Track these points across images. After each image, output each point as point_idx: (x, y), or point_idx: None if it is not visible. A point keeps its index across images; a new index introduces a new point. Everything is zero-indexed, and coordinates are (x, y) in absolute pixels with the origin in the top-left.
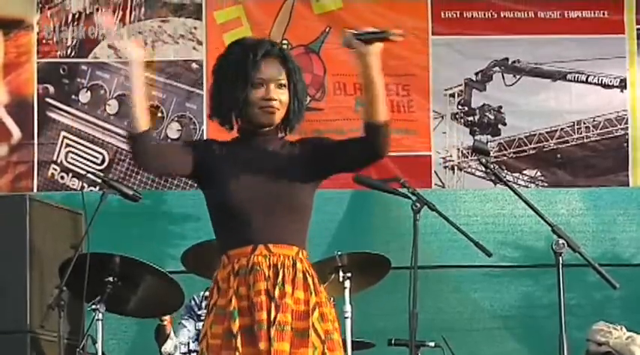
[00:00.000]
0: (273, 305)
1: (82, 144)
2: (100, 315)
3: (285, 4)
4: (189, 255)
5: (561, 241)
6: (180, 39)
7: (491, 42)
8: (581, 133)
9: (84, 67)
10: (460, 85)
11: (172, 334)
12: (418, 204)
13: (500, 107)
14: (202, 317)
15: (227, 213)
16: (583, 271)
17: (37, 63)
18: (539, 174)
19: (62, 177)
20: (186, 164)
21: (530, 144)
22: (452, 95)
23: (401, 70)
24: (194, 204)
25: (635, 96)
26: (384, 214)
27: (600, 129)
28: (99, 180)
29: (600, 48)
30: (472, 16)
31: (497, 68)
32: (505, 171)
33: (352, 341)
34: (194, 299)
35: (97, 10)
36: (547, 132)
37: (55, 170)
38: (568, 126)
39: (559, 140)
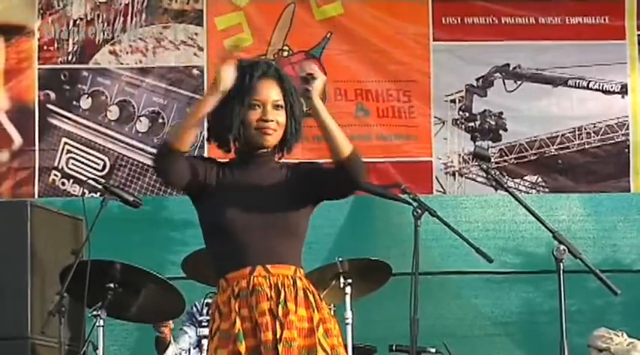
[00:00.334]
0: (278, 323)
1: (83, 150)
2: (101, 321)
3: (286, 9)
4: (190, 262)
5: (562, 247)
6: (182, 45)
7: (492, 48)
8: (582, 139)
9: (85, 73)
10: (461, 91)
11: (172, 342)
12: (419, 210)
13: (501, 113)
14: (203, 323)
15: (223, 236)
16: (584, 277)
17: (38, 69)
18: (540, 179)
19: (63, 183)
20: (196, 177)
21: (531, 149)
22: (453, 101)
23: (402, 76)
24: (195, 211)
25: (636, 102)
26: (384, 220)
27: (601, 135)
28: (100, 186)
29: (601, 54)
30: (473, 21)
31: (498, 74)
32: (506, 177)
33: (354, 348)
34: (195, 305)
35: (98, 16)
36: (548, 138)
37: (56, 176)
38: (569, 132)
39: (560, 146)
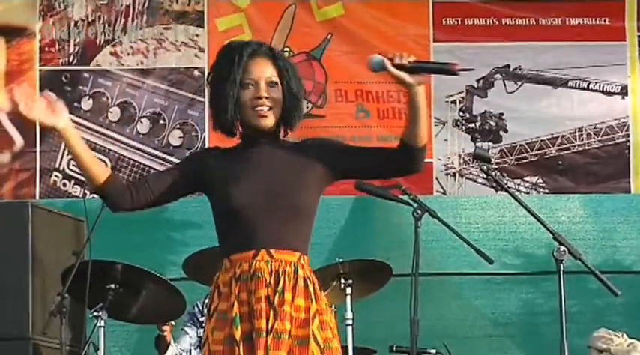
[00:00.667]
0: (272, 312)
1: None
2: (102, 322)
3: (287, 11)
4: (191, 262)
5: (562, 248)
6: (183, 46)
7: (492, 49)
8: (582, 140)
9: (86, 75)
10: (461, 92)
11: (172, 343)
12: (419, 211)
13: (502, 114)
14: (204, 324)
15: (229, 217)
16: (584, 278)
17: (40, 70)
18: (540, 180)
19: (64, 185)
20: (175, 193)
21: (532, 150)
22: (453, 102)
23: None
24: (196, 212)
25: (636, 103)
26: (385, 221)
27: (601, 136)
28: None
29: (601, 55)
30: (473, 23)
31: (498, 75)
32: (506, 177)
33: (354, 348)
34: (197, 305)
35: (99, 17)
36: (548, 139)
37: (58, 177)
38: (569, 133)
39: (560, 147)
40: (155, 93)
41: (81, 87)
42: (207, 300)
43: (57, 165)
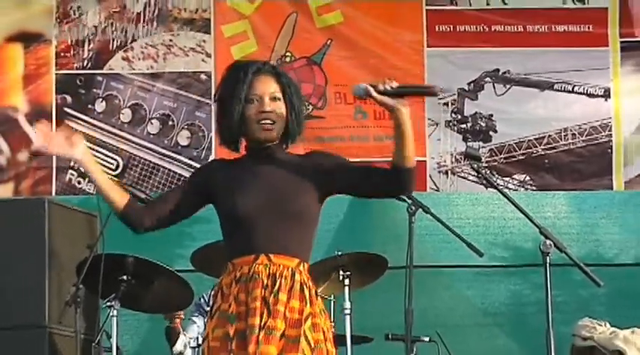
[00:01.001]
0: (266, 310)
1: (98, 151)
2: (115, 312)
3: (289, 18)
4: (198, 256)
5: (548, 242)
6: (190, 51)
7: (482, 54)
8: (567, 140)
9: (99, 78)
10: (453, 95)
11: (182, 334)
12: (413, 207)
13: (492, 115)
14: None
15: (233, 224)
16: (569, 270)
17: (56, 74)
18: (527, 178)
19: (79, 182)
20: (189, 206)
21: (520, 150)
22: (446, 104)
23: (398, 80)
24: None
25: (618, 105)
26: (381, 216)
27: (585, 136)
28: None
29: (585, 60)
30: (465, 29)
31: (488, 78)
32: (496, 175)
33: (352, 336)
34: (203, 297)
35: (112, 24)
36: (535, 139)
37: (73, 175)
38: (555, 133)
39: (547, 146)
40: (164, 95)
41: (94, 90)
42: (212, 292)
43: (72, 164)
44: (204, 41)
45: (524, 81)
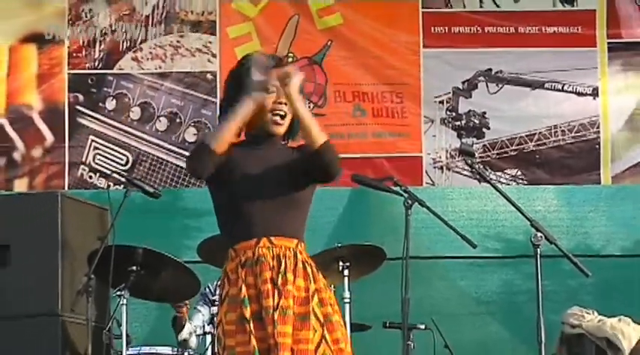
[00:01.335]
0: (277, 291)
1: (108, 147)
2: (125, 301)
3: (291, 20)
4: (205, 247)
5: (539, 234)
6: (197, 52)
7: (476, 54)
8: (557, 136)
9: (110, 78)
10: (448, 93)
11: (187, 322)
12: (410, 201)
13: (485, 113)
14: (216, 303)
15: (233, 210)
16: (558, 261)
17: (68, 74)
18: (519, 173)
19: (90, 177)
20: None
21: (512, 146)
22: (441, 102)
23: (395, 80)
24: (209, 201)
25: (606, 103)
26: (379, 210)
27: (575, 133)
28: (123, 179)
29: (574, 60)
30: (459, 31)
31: (481, 78)
32: (489, 170)
33: (351, 324)
34: (208, 286)
35: (122, 26)
36: (527, 136)
37: (84, 170)
38: (546, 130)
39: (538, 142)
40: (172, 94)
41: (105, 89)
42: (218, 282)
43: (84, 160)
44: (210, 42)
45: (516, 80)
